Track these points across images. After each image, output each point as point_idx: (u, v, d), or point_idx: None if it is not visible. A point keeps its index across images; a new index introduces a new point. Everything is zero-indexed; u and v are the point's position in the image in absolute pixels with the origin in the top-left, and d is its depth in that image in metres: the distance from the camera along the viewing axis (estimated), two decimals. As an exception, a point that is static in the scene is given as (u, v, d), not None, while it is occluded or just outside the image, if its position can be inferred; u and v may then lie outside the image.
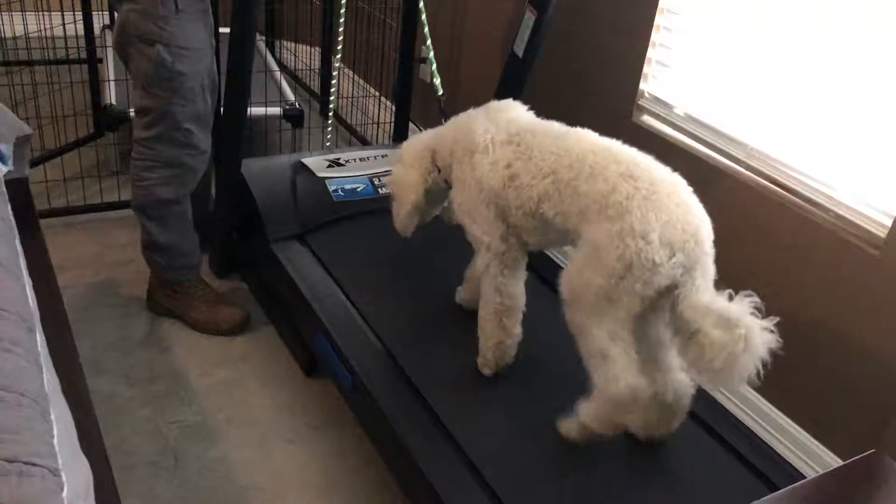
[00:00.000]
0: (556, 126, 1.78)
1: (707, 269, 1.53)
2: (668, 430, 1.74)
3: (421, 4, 2.66)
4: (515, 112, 1.85)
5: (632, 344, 1.58)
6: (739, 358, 1.41)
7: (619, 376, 1.55)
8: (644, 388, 1.57)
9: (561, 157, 1.66)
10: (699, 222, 1.53)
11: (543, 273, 2.14)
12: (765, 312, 1.46)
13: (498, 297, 1.83)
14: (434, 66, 2.66)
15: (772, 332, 1.44)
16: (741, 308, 1.45)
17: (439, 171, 1.95)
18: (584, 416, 1.64)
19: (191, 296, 2.42)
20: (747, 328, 1.42)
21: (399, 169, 2.01)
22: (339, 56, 2.92)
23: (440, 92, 2.63)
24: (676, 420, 1.73)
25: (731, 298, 1.49)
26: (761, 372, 1.44)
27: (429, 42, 2.66)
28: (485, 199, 1.78)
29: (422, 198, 1.96)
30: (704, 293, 1.50)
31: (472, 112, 1.89)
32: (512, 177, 1.73)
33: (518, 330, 1.88)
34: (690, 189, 1.59)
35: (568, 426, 1.70)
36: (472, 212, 1.82)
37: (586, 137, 1.70)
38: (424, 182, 1.95)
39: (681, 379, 1.68)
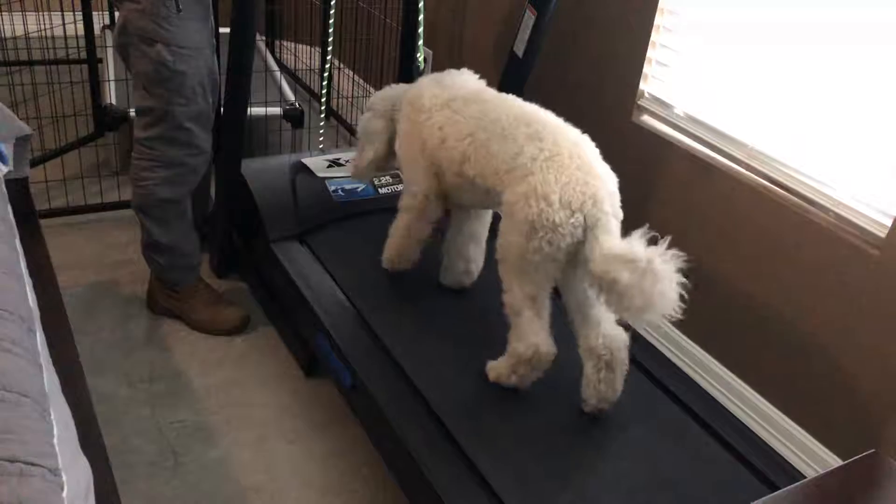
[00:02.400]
0: (489, 93, 1.93)
1: (608, 227, 1.61)
2: (612, 391, 1.76)
3: (421, 4, 2.64)
4: (464, 79, 2.01)
5: (546, 307, 1.73)
6: (654, 289, 1.47)
7: (526, 335, 1.71)
8: (548, 351, 1.72)
9: (479, 120, 1.82)
10: (599, 183, 1.62)
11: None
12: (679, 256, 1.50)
13: (407, 233, 2.09)
14: (421, 41, 2.69)
15: (670, 254, 1.49)
16: (636, 243, 1.51)
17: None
18: (496, 364, 1.82)
19: (191, 296, 2.42)
20: (647, 259, 1.47)
21: (368, 117, 2.16)
22: (329, 57, 2.92)
23: (422, 67, 2.70)
24: (617, 376, 1.75)
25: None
26: (684, 296, 1.49)
27: (420, 41, 2.66)
28: (424, 156, 1.94)
29: (385, 148, 2.11)
30: (605, 245, 1.58)
31: (432, 75, 2.05)
32: (443, 139, 1.88)
33: (415, 256, 2.14)
34: (596, 150, 1.69)
35: (490, 371, 1.83)
36: (410, 162, 2.01)
37: (506, 102, 1.84)
38: (388, 132, 2.10)
39: (613, 332, 1.73)
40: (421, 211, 2.02)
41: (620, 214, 1.66)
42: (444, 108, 1.90)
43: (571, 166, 1.61)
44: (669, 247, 1.50)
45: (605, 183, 1.64)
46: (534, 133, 1.68)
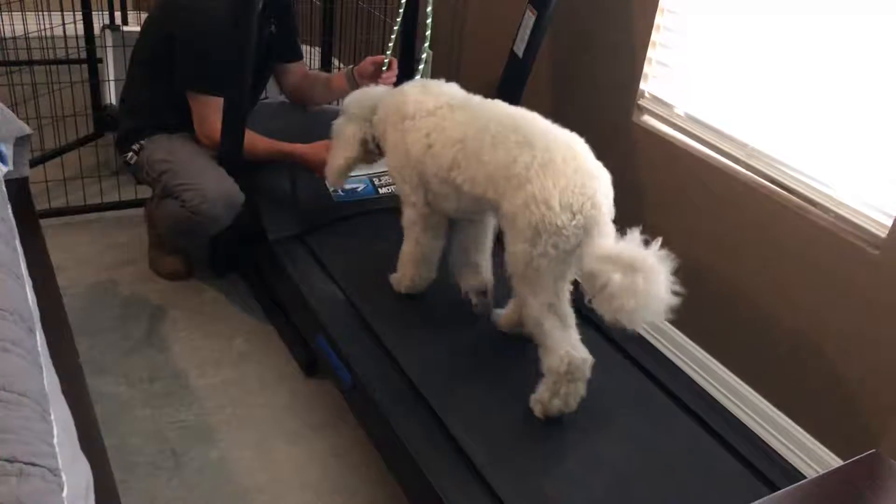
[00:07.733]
0: (475, 99, 1.92)
1: (604, 228, 1.61)
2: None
3: (429, 9, 2.59)
4: (448, 88, 1.98)
5: (570, 315, 1.70)
6: (647, 291, 1.46)
7: (554, 347, 1.68)
8: (583, 357, 1.69)
9: (468, 126, 1.80)
10: (596, 184, 1.62)
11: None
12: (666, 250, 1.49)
13: (417, 248, 2.04)
14: (427, 43, 2.60)
15: (663, 254, 1.48)
16: (631, 245, 1.51)
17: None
18: (537, 396, 1.75)
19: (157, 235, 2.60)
20: (640, 259, 1.47)
21: (341, 121, 2.15)
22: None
23: (421, 66, 2.62)
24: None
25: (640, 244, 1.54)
26: (677, 300, 1.48)
27: (427, 45, 2.61)
28: (411, 164, 1.93)
29: (357, 152, 2.10)
30: (600, 246, 1.58)
31: (414, 81, 2.04)
32: (430, 145, 1.87)
33: (431, 274, 2.09)
34: (588, 150, 1.69)
35: (534, 407, 1.76)
36: (401, 173, 1.98)
37: (494, 108, 1.84)
38: (362, 135, 2.09)
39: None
40: (426, 220, 1.99)
41: (613, 211, 1.66)
42: (430, 115, 1.89)
43: (567, 170, 1.61)
44: (663, 247, 1.49)
45: (601, 183, 1.64)
46: (523, 140, 1.67)
